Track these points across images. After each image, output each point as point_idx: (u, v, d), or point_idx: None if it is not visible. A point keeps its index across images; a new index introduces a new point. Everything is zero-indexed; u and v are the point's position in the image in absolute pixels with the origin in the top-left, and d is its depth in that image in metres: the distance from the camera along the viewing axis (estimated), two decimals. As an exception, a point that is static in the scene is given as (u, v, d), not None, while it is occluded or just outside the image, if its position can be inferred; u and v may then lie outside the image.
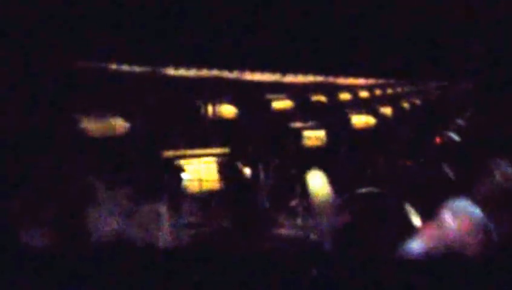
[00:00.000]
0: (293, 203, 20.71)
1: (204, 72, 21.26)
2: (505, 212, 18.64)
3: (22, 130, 18.44)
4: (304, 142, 21.57)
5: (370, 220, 20.13)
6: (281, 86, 21.86)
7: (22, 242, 13.70)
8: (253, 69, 21.45)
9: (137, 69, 20.70)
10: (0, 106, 17.71)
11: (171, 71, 21.08)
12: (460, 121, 21.40)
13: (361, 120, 22.18)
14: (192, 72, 21.17)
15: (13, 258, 11.07)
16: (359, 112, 22.26)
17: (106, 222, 17.53)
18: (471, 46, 20.85)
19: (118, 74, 20.67)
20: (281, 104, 21.68)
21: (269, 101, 21.64)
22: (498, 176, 19.32)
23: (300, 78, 21.92)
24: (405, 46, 21.80)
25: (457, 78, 21.77)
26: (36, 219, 15.03)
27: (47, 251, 13.25)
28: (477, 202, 18.52)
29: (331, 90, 22.16)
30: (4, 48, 18.66)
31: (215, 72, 21.34)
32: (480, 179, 18.82)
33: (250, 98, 21.54)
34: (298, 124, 21.71)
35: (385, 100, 22.55)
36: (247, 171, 20.92)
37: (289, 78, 21.83)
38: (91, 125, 20.01)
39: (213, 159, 20.85)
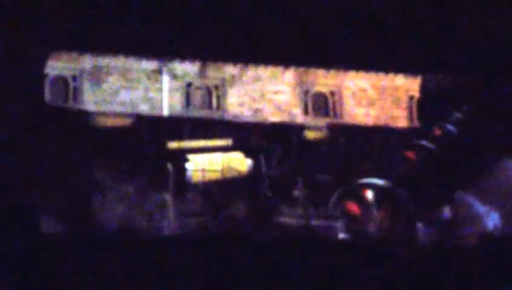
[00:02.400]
0: (295, 193, 21.12)
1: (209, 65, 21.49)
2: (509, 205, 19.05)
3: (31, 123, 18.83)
4: (306, 134, 21.89)
5: (372, 209, 20.56)
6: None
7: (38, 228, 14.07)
8: (256, 62, 21.64)
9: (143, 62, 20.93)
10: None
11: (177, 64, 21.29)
12: (458, 114, 21.65)
13: (361, 113, 22.47)
14: (196, 65, 21.41)
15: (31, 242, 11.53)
16: (360, 105, 22.53)
17: (114, 211, 17.97)
18: (470, 41, 21.10)
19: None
20: (283, 97, 21.90)
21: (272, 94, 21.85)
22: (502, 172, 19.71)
23: (302, 70, 22.06)
24: (405, 40, 22.04)
25: (456, 72, 21.97)
26: (49, 207, 15.45)
27: (59, 238, 13.64)
28: (480, 195, 18.94)
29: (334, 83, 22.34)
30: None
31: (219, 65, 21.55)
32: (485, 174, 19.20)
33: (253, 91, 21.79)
34: (299, 117, 22.02)
35: (385, 93, 22.71)
36: (249, 162, 21.29)
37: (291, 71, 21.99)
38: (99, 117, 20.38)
39: (217, 150, 21.20)
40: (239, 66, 21.53)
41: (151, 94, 20.86)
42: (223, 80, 21.50)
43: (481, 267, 12.79)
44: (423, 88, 22.80)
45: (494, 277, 12.41)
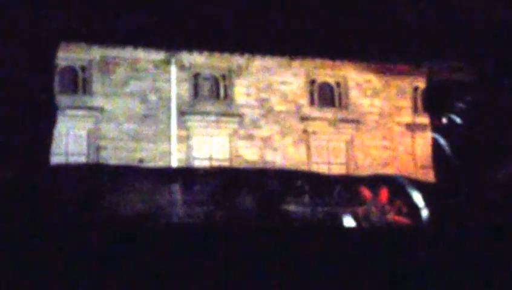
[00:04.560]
0: (299, 183, 21.35)
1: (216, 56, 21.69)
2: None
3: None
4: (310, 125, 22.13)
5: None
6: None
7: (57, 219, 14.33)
8: (263, 52, 21.81)
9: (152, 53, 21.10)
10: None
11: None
12: (462, 105, 21.80)
13: (366, 103, 22.70)
14: (203, 56, 21.60)
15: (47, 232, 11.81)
16: (365, 96, 22.75)
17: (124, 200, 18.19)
18: (474, 30, 21.22)
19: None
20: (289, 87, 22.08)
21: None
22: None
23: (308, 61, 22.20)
24: (409, 29, 22.20)
25: (460, 62, 22.08)
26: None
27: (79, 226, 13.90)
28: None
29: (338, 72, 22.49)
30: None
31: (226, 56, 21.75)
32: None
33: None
34: (305, 107, 22.23)
35: (390, 84, 22.88)
36: (258, 151, 21.55)
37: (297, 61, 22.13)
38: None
39: (224, 140, 21.47)
40: (246, 56, 21.74)
41: (159, 84, 21.11)
42: (230, 70, 21.74)
43: (485, 259, 13.01)
44: (428, 79, 22.95)
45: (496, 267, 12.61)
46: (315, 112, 22.23)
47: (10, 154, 16.30)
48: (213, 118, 21.33)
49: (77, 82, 20.78)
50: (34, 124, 17.78)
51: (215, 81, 21.74)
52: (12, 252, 10.76)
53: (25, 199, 15.38)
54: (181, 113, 21.06)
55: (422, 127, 22.64)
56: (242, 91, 21.75)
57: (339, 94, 22.61)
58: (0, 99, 17.04)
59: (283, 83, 22.08)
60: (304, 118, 22.03)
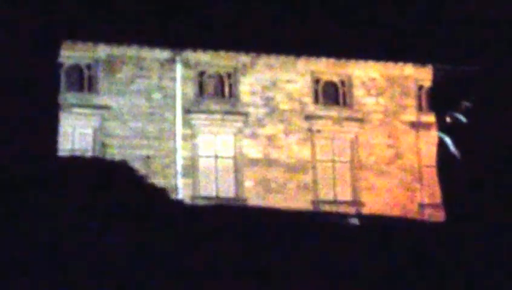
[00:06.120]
0: (304, 177, 21.46)
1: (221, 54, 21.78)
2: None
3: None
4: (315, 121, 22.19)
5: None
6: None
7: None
8: (268, 51, 21.87)
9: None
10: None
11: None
12: (467, 103, 21.82)
13: (370, 102, 22.73)
14: (208, 54, 21.69)
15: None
16: (369, 94, 22.78)
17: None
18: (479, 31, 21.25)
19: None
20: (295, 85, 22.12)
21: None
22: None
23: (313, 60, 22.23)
24: (414, 29, 22.25)
25: (465, 62, 22.11)
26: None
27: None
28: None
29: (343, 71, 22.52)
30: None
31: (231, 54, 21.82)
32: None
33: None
34: (310, 106, 22.28)
35: (395, 83, 22.90)
36: (262, 148, 21.60)
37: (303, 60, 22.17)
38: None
39: (229, 138, 21.53)
40: (251, 54, 21.80)
41: (165, 83, 21.20)
42: (235, 68, 21.80)
43: (483, 251, 13.00)
44: (433, 78, 22.98)
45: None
46: (319, 111, 22.29)
47: (16, 152, 16.36)
48: (218, 116, 21.41)
49: (83, 80, 20.90)
50: (38, 122, 17.81)
51: (220, 80, 21.82)
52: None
53: (30, 195, 15.38)
54: (186, 112, 21.15)
55: (426, 126, 22.69)
56: (247, 89, 21.82)
57: (344, 93, 22.66)
58: (4, 96, 17.11)
59: (288, 81, 22.13)
60: (308, 117, 22.08)
